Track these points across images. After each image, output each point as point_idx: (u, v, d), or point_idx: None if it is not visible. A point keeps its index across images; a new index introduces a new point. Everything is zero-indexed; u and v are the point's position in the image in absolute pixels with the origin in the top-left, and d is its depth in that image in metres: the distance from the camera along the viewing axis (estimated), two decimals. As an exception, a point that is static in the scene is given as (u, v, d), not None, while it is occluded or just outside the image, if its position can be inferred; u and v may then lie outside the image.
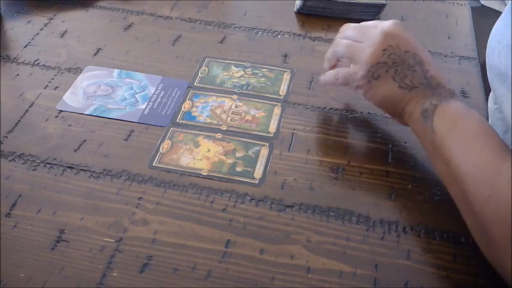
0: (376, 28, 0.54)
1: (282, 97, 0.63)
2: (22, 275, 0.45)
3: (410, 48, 0.52)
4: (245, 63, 0.68)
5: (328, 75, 0.58)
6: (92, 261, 0.46)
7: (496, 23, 0.55)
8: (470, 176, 0.45)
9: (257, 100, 0.63)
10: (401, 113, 0.53)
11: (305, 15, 0.77)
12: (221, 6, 0.79)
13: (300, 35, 0.73)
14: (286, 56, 0.70)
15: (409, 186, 0.54)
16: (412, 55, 0.52)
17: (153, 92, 0.64)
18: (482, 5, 1.46)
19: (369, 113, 0.61)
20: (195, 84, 0.65)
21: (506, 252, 0.41)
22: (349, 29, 0.57)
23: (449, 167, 0.47)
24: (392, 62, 0.52)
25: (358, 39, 0.55)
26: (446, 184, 0.49)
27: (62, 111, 0.61)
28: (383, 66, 0.52)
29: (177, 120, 0.60)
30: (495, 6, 1.41)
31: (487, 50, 0.55)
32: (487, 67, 0.56)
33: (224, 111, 0.61)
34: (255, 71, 0.67)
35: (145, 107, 0.61)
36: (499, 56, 0.52)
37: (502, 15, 0.55)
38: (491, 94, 0.63)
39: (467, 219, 0.46)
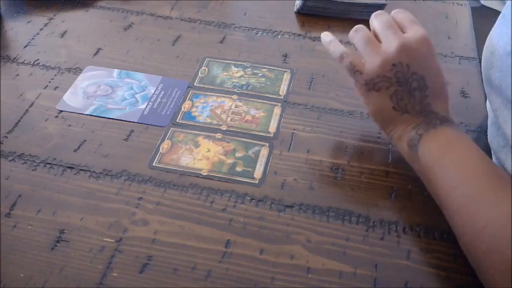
0: (399, 35, 0.51)
1: (282, 97, 0.63)
2: (22, 275, 0.45)
3: (419, 71, 0.50)
4: (245, 63, 0.68)
5: (335, 47, 0.55)
6: (92, 261, 0.46)
7: (490, 32, 0.54)
8: (463, 207, 0.44)
9: (257, 100, 0.63)
10: (388, 132, 0.53)
11: (305, 15, 0.77)
12: (221, 6, 0.79)
13: (300, 35, 0.73)
14: (286, 56, 0.70)
15: (409, 186, 0.54)
16: (419, 78, 0.50)
17: (153, 92, 0.64)
18: (482, 5, 1.46)
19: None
20: (195, 84, 0.65)
21: (500, 281, 0.40)
22: (379, 20, 0.53)
23: (439, 196, 0.47)
24: (396, 80, 0.50)
25: (380, 35, 0.52)
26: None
27: (62, 111, 0.61)
28: (386, 81, 0.51)
29: (177, 120, 0.60)
30: (495, 6, 1.41)
31: (482, 61, 0.54)
32: (483, 78, 0.55)
33: (224, 111, 0.61)
34: (255, 71, 0.67)
35: (145, 107, 0.61)
36: (493, 67, 0.51)
37: (495, 23, 0.54)
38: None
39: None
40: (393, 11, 0.54)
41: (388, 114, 0.52)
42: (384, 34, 0.52)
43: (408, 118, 0.51)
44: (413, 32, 0.51)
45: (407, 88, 0.50)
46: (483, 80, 0.55)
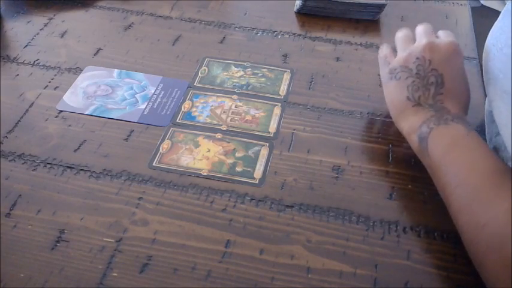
0: (431, 37, 0.55)
1: (282, 97, 0.63)
2: (22, 275, 0.45)
3: (440, 69, 0.53)
4: (245, 63, 0.68)
5: (384, 46, 0.60)
6: (92, 261, 0.46)
7: (493, 27, 0.55)
8: (465, 205, 0.44)
9: (257, 100, 0.63)
10: (400, 124, 0.54)
11: (305, 15, 0.77)
12: (221, 6, 0.79)
13: (300, 35, 0.73)
14: (286, 56, 0.70)
15: (409, 186, 0.54)
16: (437, 75, 0.52)
17: (153, 92, 0.64)
18: (482, 5, 1.46)
19: (369, 113, 0.61)
20: (195, 84, 0.65)
21: (500, 280, 0.40)
22: (422, 27, 0.57)
23: (444, 193, 0.47)
24: (416, 71, 0.53)
25: (416, 37, 0.57)
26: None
27: (62, 111, 0.61)
28: (407, 71, 0.54)
29: (177, 120, 0.60)
30: (495, 6, 1.41)
31: (483, 54, 0.55)
32: (483, 71, 0.56)
33: (224, 111, 0.61)
34: (255, 71, 0.67)
35: (145, 107, 0.61)
36: (493, 59, 0.51)
37: (498, 18, 0.55)
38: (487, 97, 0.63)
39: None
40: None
41: (401, 104, 0.54)
42: (419, 35, 0.56)
43: (420, 111, 0.52)
44: (445, 37, 0.56)
45: (425, 81, 0.53)
46: (482, 71, 0.56)
